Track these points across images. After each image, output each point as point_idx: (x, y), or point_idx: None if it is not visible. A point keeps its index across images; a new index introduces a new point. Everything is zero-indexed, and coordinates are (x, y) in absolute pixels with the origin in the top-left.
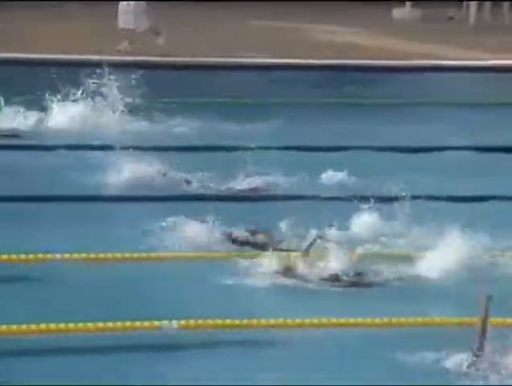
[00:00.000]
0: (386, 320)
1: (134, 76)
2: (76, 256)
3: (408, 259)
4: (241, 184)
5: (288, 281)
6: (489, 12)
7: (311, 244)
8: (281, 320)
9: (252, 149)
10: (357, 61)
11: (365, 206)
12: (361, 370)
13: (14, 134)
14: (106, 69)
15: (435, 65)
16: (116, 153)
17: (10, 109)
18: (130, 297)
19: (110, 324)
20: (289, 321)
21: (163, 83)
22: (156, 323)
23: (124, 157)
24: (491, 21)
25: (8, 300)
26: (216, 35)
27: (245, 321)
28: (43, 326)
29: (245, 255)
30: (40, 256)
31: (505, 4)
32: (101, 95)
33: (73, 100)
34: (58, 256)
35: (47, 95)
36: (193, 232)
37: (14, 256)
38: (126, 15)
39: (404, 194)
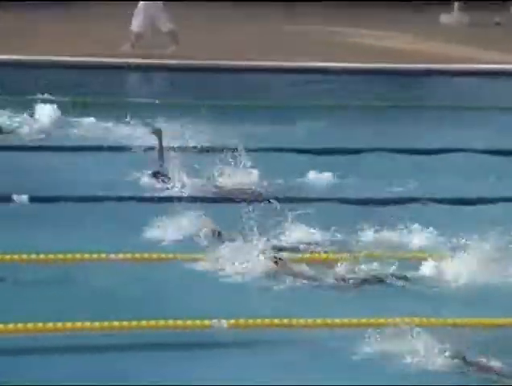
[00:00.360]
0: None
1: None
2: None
3: None
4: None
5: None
6: None
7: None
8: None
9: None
10: (404, 65)
11: None
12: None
13: None
14: None
15: (480, 69)
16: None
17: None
18: (150, 296)
19: (162, 322)
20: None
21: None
22: (207, 322)
23: None
24: None
25: (32, 299)
26: (265, 39)
27: (294, 320)
28: (86, 323)
29: None
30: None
31: None
32: None
33: None
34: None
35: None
36: None
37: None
38: (142, 18)
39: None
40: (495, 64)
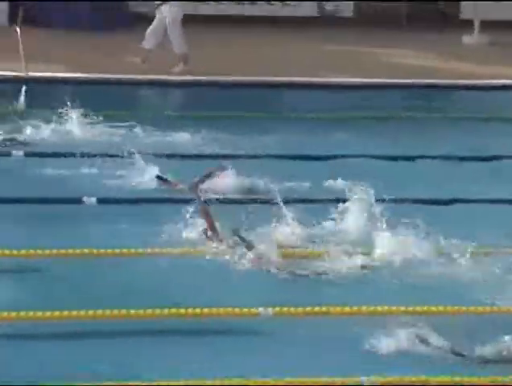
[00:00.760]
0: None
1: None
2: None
3: None
4: None
5: None
6: None
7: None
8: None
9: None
10: (430, 80)
11: None
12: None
13: None
14: None
15: (501, 84)
16: None
17: None
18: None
19: (206, 310)
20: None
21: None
22: (254, 310)
23: None
24: None
25: (58, 289)
26: (299, 57)
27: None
28: (123, 311)
29: None
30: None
31: None
32: None
33: None
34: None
35: None
36: None
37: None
38: (157, 36)
39: None
40: None
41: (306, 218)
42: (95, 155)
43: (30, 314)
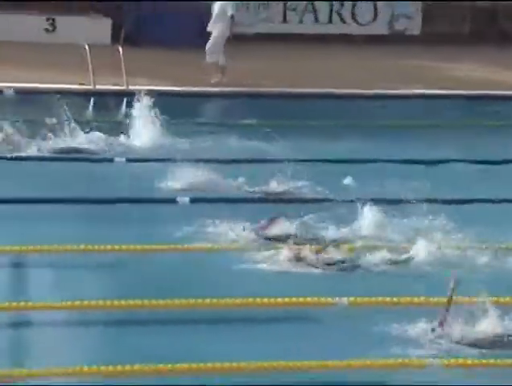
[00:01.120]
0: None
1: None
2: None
3: None
4: None
5: None
6: None
7: None
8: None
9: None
10: (488, 91)
11: None
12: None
13: None
14: None
15: None
16: None
17: None
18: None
19: (286, 299)
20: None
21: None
22: (330, 300)
23: None
24: None
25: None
26: (373, 71)
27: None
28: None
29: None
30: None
31: None
32: None
33: None
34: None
35: None
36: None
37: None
38: (220, 51)
39: None
40: None
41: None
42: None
43: (123, 302)
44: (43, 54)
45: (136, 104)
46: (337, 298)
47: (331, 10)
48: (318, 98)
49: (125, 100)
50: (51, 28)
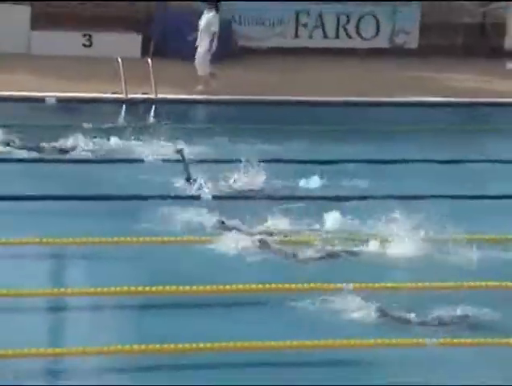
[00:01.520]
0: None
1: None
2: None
3: None
4: None
5: None
6: None
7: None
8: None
9: None
10: (479, 99)
11: None
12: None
13: None
14: None
15: None
16: None
17: None
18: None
19: (293, 285)
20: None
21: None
22: (339, 285)
23: None
24: None
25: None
26: (375, 81)
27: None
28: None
29: None
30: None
31: None
32: None
33: None
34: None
35: None
36: None
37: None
38: (206, 62)
39: None
40: None
41: None
42: None
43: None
44: (81, 66)
45: (161, 111)
46: (345, 284)
47: (337, 26)
48: (326, 105)
49: (153, 107)
50: (88, 43)
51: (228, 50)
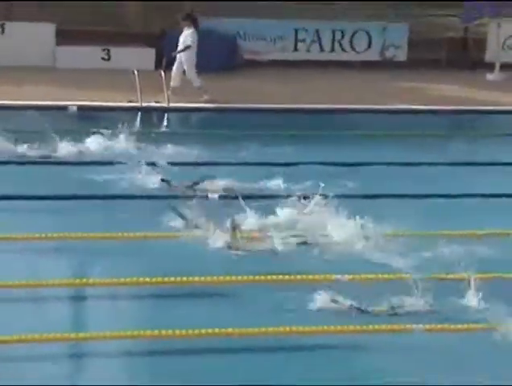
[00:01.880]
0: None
1: None
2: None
3: None
4: None
5: None
6: None
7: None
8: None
9: None
10: (462, 107)
11: None
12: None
13: None
14: None
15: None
16: None
17: None
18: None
19: (281, 276)
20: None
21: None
22: (334, 276)
23: None
24: None
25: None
26: (368, 91)
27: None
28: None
29: None
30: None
31: None
32: None
33: None
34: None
35: None
36: None
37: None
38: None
39: None
40: None
41: None
42: None
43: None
44: (100, 78)
45: (173, 119)
46: (339, 276)
47: (333, 41)
48: (322, 112)
49: (166, 115)
50: (106, 57)
51: (234, 62)
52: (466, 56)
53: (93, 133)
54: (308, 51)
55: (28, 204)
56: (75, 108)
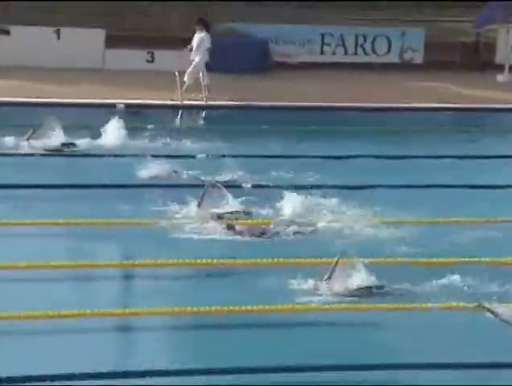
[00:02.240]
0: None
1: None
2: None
3: None
4: None
5: None
6: None
7: None
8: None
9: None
10: (474, 105)
11: None
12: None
13: None
14: None
15: None
16: None
17: None
18: None
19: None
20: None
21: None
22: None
23: None
24: None
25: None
26: (388, 90)
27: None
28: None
29: None
30: None
31: None
32: None
33: None
34: None
35: None
36: None
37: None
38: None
39: None
40: None
41: None
42: None
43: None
44: (144, 78)
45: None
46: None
47: (356, 45)
48: (347, 110)
49: (204, 111)
50: (150, 59)
51: (266, 64)
52: (478, 59)
53: (141, 128)
54: (334, 53)
55: (95, 192)
56: (122, 106)
